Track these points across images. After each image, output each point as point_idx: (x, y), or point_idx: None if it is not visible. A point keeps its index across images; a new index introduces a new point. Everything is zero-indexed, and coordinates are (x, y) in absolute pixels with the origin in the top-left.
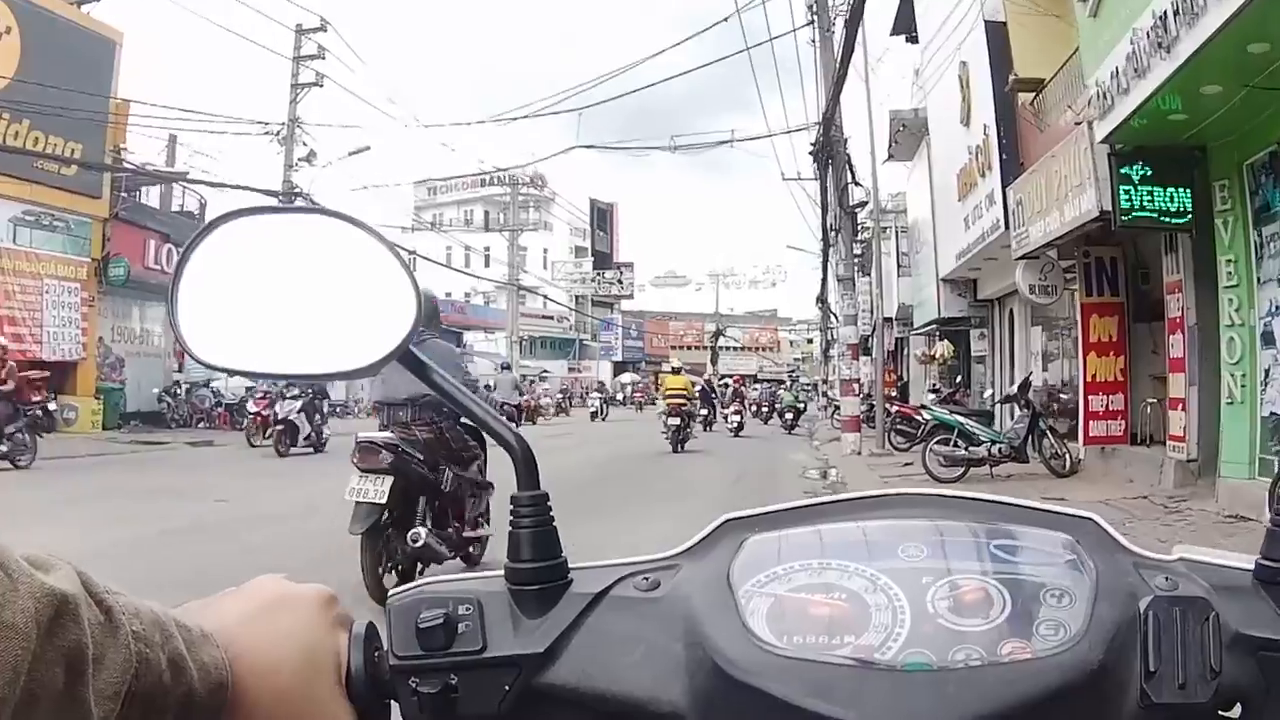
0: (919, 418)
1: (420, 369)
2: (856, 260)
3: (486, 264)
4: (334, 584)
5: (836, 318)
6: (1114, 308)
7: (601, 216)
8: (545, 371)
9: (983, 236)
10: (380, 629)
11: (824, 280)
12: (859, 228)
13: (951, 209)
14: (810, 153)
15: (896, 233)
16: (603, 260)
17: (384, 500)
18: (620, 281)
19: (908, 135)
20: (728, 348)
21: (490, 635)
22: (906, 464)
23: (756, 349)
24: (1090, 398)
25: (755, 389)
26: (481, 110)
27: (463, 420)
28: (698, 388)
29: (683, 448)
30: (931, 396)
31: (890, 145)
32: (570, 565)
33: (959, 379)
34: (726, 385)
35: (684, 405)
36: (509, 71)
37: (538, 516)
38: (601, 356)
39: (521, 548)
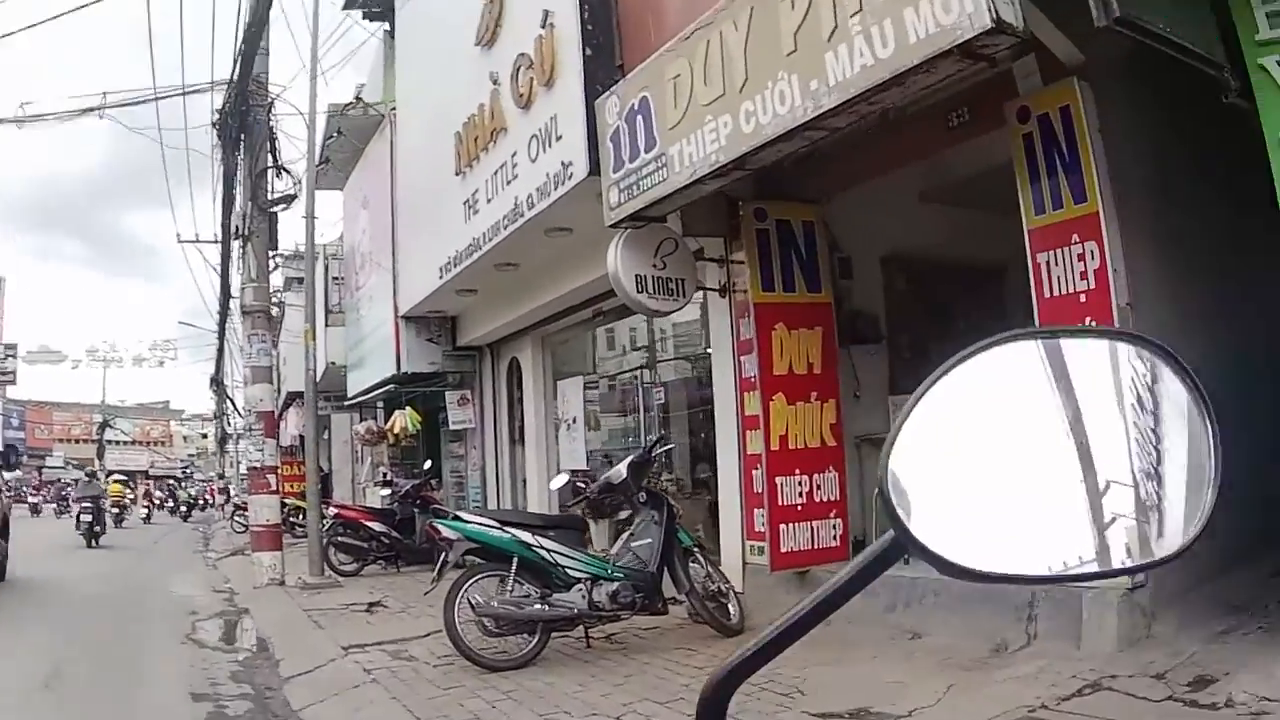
0: (374, 526)
1: None
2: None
3: None
4: None
5: (231, 400)
6: (816, 313)
7: None
8: None
9: (516, 212)
10: None
11: (219, 355)
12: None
13: (438, 198)
14: (214, 124)
15: (327, 276)
16: None
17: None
18: None
19: (353, 131)
20: (117, 441)
21: None
22: (371, 603)
23: (148, 443)
24: (778, 481)
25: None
26: None
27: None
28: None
29: (120, 525)
30: (385, 493)
31: (322, 154)
32: None
33: (428, 464)
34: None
35: (122, 498)
36: None
37: None
38: None
39: None
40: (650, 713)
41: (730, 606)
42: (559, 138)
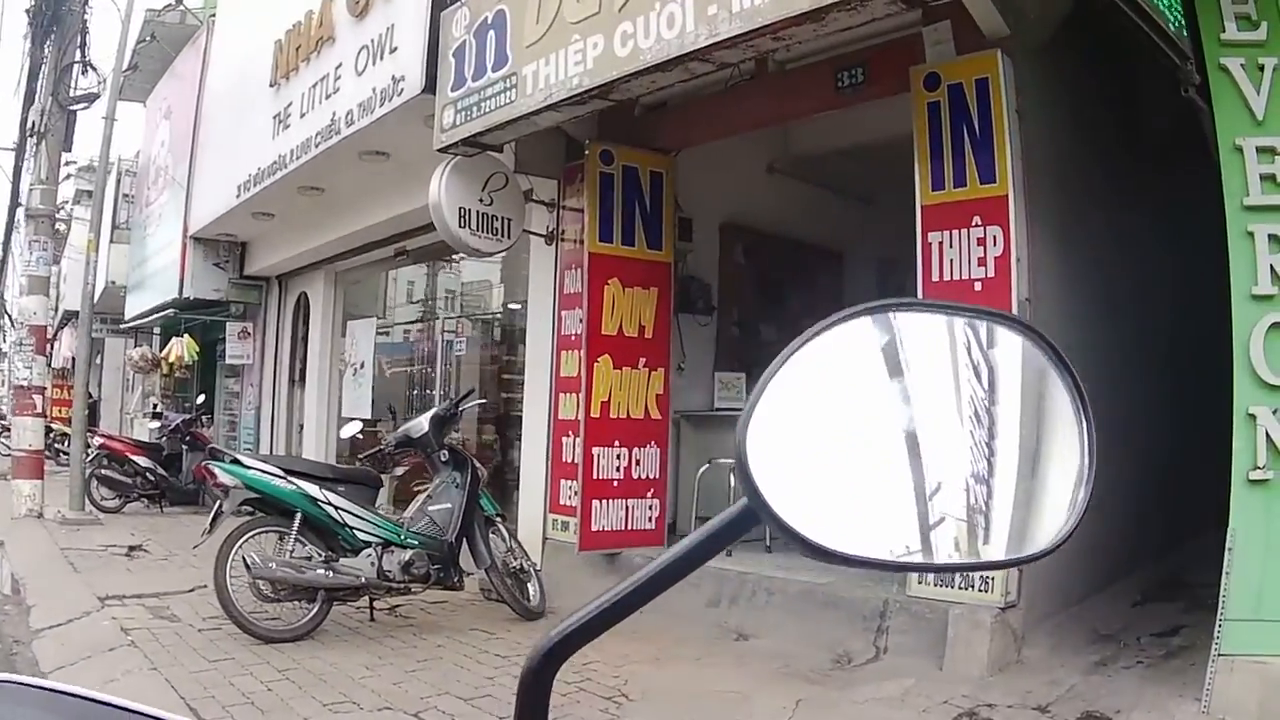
0: (140, 461)
1: None
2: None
3: None
4: None
5: (9, 317)
6: (655, 273)
7: None
8: None
9: (332, 129)
10: None
11: (1, 267)
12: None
13: (247, 111)
14: (28, 10)
15: (118, 190)
16: None
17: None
18: None
19: (167, 39)
20: None
21: None
22: (132, 546)
23: None
24: (595, 452)
25: None
26: None
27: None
28: None
29: None
30: (154, 426)
31: (132, 58)
32: None
33: (201, 399)
34: None
35: None
36: None
37: None
38: None
39: None
40: (454, 711)
41: (530, 586)
42: (393, 50)
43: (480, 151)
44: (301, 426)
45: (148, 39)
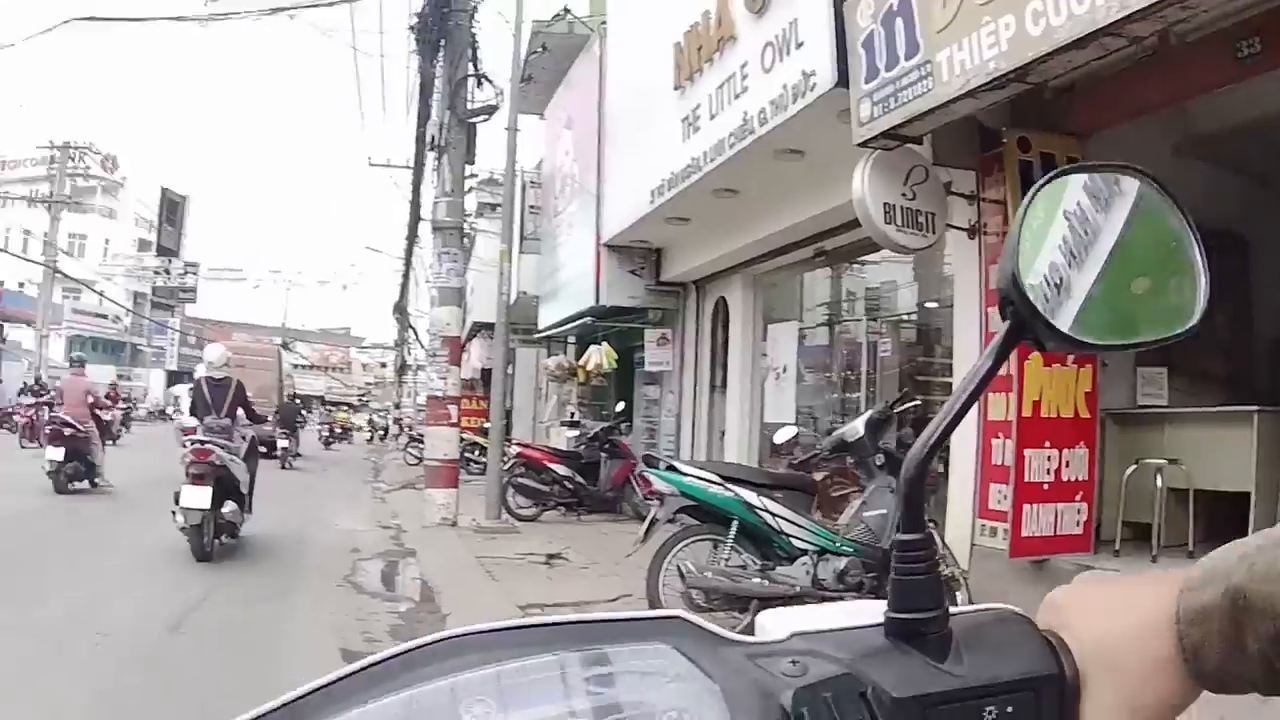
0: (558, 469)
1: None
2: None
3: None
4: None
5: (414, 330)
6: None
7: (172, 209)
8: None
9: (745, 128)
10: None
11: (404, 281)
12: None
13: (651, 116)
14: (413, 28)
15: (523, 201)
16: (167, 256)
17: None
18: (167, 271)
19: (557, 49)
20: (296, 365)
21: None
22: (551, 555)
23: (326, 368)
24: (1026, 454)
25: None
26: None
27: None
28: None
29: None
30: (572, 434)
31: (524, 70)
32: None
33: (620, 407)
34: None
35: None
36: None
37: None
38: (153, 364)
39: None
40: None
41: (959, 595)
42: (799, 45)
43: (899, 144)
44: (723, 433)
45: (539, 50)
